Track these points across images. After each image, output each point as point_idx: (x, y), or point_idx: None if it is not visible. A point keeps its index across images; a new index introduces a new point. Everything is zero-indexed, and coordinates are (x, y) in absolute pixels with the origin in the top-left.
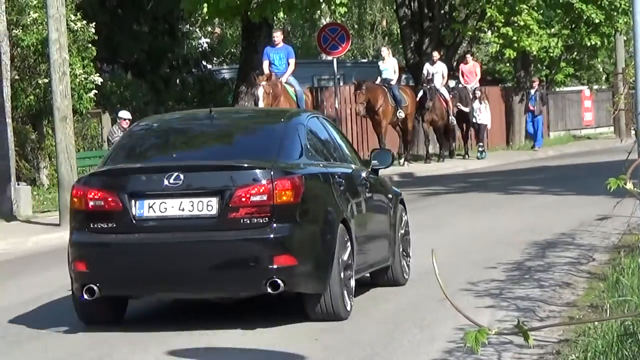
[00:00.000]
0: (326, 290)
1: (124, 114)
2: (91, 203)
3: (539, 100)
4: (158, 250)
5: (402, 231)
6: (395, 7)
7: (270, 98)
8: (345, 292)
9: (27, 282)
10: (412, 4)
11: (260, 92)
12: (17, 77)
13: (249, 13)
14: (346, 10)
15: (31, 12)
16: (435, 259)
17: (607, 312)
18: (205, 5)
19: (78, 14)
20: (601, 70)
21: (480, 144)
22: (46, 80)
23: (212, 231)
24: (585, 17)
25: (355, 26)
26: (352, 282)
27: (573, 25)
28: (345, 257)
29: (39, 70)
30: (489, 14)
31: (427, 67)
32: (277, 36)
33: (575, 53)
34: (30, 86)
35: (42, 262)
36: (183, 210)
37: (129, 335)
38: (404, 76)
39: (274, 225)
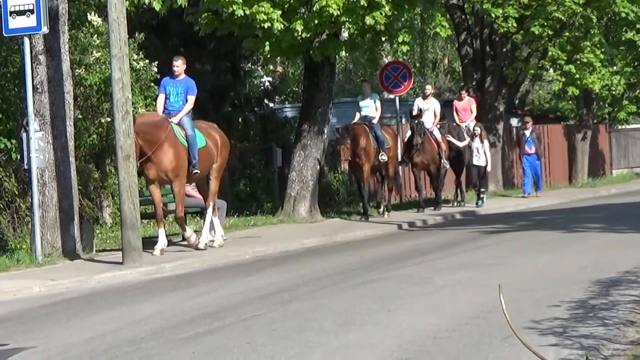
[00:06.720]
0: None
1: None
2: None
3: (537, 142)
4: None
5: None
6: (457, 45)
7: (146, 146)
8: None
9: (90, 321)
10: (474, 43)
11: None
12: (80, 116)
13: (311, 52)
14: (408, 48)
15: (94, 52)
16: (502, 295)
17: None
18: (267, 44)
19: (140, 53)
20: None
21: (482, 189)
22: (109, 119)
23: None
24: None
25: (417, 64)
26: None
27: (636, 63)
28: None
29: (101, 109)
30: (551, 53)
31: (417, 102)
32: (178, 65)
33: (638, 91)
34: (93, 125)
35: (105, 301)
36: None
37: None
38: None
39: None
